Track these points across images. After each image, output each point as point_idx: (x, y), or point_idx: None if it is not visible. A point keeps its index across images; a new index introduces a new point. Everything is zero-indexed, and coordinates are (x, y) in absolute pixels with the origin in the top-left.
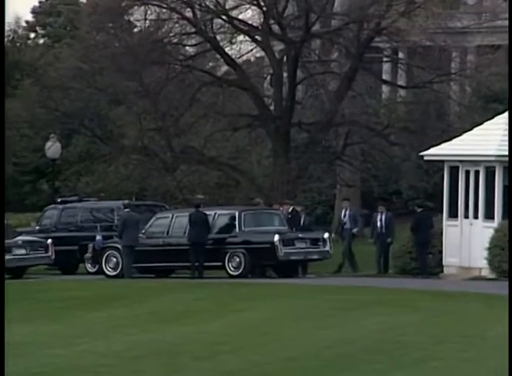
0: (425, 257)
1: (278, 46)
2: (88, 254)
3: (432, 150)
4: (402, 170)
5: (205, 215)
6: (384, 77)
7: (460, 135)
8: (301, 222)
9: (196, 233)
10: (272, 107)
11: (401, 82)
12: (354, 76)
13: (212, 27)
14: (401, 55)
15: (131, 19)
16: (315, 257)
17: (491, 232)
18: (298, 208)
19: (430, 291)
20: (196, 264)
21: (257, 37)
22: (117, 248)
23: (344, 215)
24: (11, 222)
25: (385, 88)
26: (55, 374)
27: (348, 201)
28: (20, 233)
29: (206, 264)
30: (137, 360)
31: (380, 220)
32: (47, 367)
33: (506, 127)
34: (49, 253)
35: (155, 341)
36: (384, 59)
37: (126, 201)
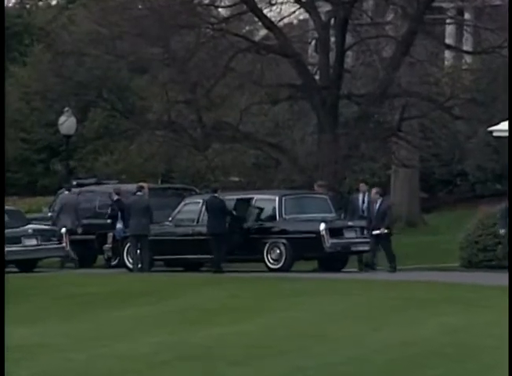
0: None
1: (324, 7)
2: (108, 245)
3: (502, 125)
4: (468, 148)
5: (222, 201)
6: (448, 41)
7: None
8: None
9: (214, 223)
10: (317, 77)
11: (466, 47)
12: (412, 40)
13: None
14: (467, 16)
15: None
16: (366, 248)
17: None
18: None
19: (501, 286)
20: (211, 256)
21: None
22: None
23: None
24: (20, 207)
25: (448, 54)
26: None
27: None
28: (31, 221)
29: (242, 257)
30: (165, 366)
31: None
32: (61, 373)
33: None
34: (63, 244)
35: (185, 343)
36: (448, 20)
37: (140, 184)
